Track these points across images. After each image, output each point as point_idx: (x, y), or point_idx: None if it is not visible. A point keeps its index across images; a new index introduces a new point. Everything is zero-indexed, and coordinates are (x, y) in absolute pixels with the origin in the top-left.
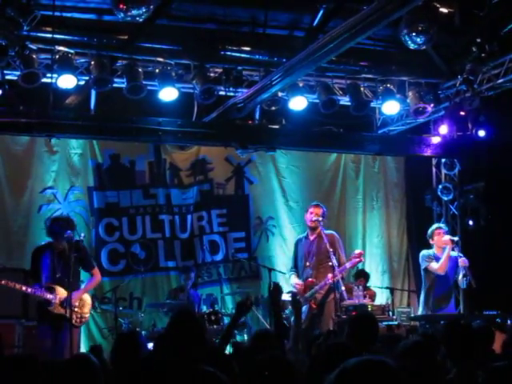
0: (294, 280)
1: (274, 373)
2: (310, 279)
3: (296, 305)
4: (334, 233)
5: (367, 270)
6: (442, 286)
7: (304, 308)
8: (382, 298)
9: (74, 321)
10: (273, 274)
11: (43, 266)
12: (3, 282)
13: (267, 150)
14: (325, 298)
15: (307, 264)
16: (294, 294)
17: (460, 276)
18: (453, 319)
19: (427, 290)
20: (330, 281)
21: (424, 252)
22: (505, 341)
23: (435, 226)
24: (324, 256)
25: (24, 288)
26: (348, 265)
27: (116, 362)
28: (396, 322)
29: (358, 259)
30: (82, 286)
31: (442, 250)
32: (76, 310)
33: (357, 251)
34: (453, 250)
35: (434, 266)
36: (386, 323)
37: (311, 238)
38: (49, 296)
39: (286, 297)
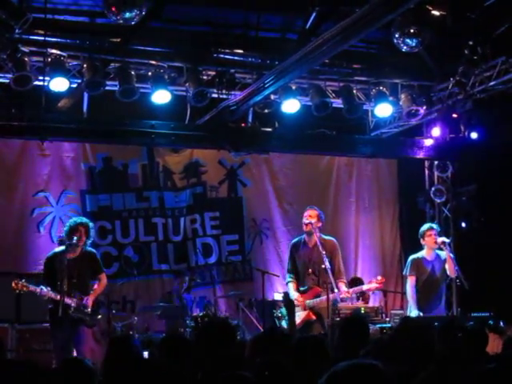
0: (294, 293)
1: (273, 376)
2: (317, 288)
3: (289, 304)
4: (333, 239)
5: (359, 272)
6: (432, 288)
7: (300, 313)
8: (375, 300)
9: (88, 324)
10: (266, 277)
11: (57, 271)
12: (30, 288)
13: (260, 152)
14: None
15: (309, 271)
16: (286, 294)
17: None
18: (447, 320)
19: (417, 293)
20: (343, 295)
21: (411, 259)
22: (505, 341)
23: (427, 225)
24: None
25: (50, 293)
26: (365, 287)
27: (109, 365)
28: (389, 325)
29: (378, 285)
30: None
31: (432, 251)
32: (90, 313)
33: (379, 278)
34: (440, 249)
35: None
36: (379, 325)
37: (310, 244)
38: (68, 301)
39: (278, 296)
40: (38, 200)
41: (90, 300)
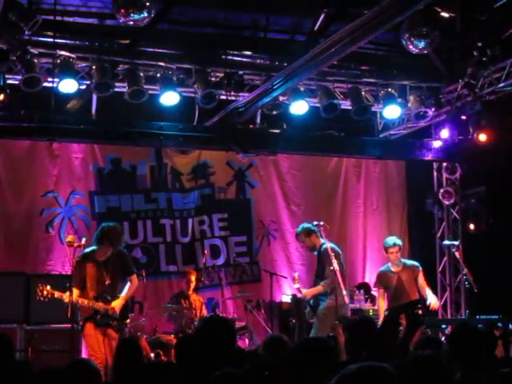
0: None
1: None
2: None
3: (297, 304)
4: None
5: (368, 274)
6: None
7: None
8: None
9: (116, 329)
10: (274, 278)
11: (88, 275)
12: (56, 295)
13: (268, 154)
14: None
15: None
16: (294, 295)
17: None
18: (460, 322)
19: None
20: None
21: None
22: None
23: (391, 241)
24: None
25: (85, 302)
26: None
27: (118, 367)
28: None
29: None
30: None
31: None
32: (117, 317)
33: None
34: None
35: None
36: None
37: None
38: (96, 306)
39: (286, 299)
40: (46, 201)
41: (118, 304)
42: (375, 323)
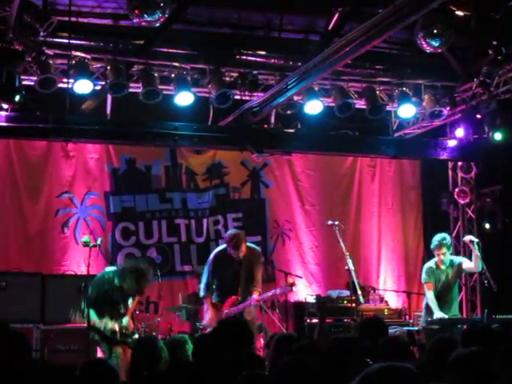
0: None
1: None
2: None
3: (321, 307)
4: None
5: (383, 274)
6: (443, 293)
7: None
8: (398, 302)
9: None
10: (289, 278)
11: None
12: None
13: (283, 153)
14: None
15: None
16: (319, 298)
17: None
18: (472, 323)
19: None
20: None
21: (426, 266)
22: None
23: (437, 240)
24: None
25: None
26: (271, 293)
27: (135, 366)
28: (417, 328)
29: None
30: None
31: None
32: (128, 334)
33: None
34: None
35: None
36: (407, 328)
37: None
38: (114, 327)
39: (310, 299)
40: (62, 201)
41: (130, 321)
42: (385, 323)
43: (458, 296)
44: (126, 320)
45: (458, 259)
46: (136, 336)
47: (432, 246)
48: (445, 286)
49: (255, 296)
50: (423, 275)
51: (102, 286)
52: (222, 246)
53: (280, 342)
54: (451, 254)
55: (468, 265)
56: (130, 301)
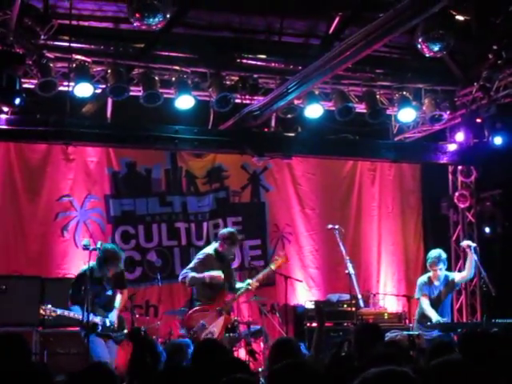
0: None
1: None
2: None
3: (319, 312)
4: None
5: (383, 277)
6: (433, 307)
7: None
8: (398, 305)
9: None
10: (289, 282)
11: (85, 290)
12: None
13: (283, 157)
14: None
15: None
16: (317, 303)
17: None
18: (471, 327)
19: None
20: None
21: (419, 280)
22: None
23: (433, 256)
24: None
25: (75, 315)
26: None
27: (134, 371)
28: (417, 332)
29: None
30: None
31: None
32: (115, 329)
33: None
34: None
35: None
36: (407, 332)
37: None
38: (95, 320)
39: (309, 304)
40: (62, 204)
41: (115, 316)
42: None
43: (449, 310)
44: (112, 315)
45: (451, 275)
46: (125, 331)
47: (428, 262)
48: (435, 300)
49: (249, 280)
50: (417, 291)
51: (83, 282)
52: (212, 247)
53: (278, 346)
54: (445, 269)
55: (460, 276)
56: (119, 297)
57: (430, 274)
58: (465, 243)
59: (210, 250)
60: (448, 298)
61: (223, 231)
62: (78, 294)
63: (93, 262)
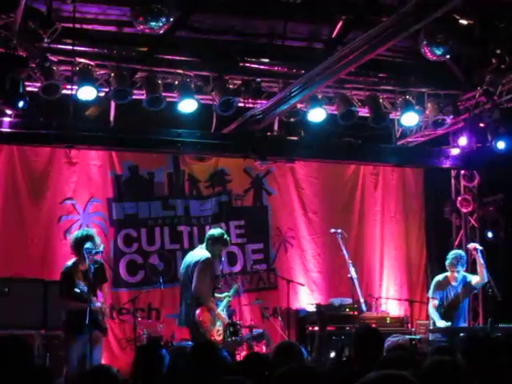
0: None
1: None
2: None
3: (320, 316)
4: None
5: (385, 282)
6: (450, 309)
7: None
8: (400, 310)
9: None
10: (291, 286)
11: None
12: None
13: (286, 161)
14: None
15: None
16: (318, 307)
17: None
18: (474, 332)
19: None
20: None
21: (435, 279)
22: None
23: (451, 258)
24: None
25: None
26: None
27: (137, 374)
28: (419, 336)
29: None
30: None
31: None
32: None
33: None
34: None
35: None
36: (408, 337)
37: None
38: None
39: (310, 308)
40: (65, 207)
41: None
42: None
43: (467, 313)
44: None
45: (469, 277)
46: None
47: (447, 263)
48: (452, 302)
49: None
50: (431, 289)
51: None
52: (207, 253)
53: (281, 350)
54: (464, 270)
55: (476, 280)
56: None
57: (448, 273)
58: (472, 245)
59: (207, 254)
60: (466, 300)
61: (213, 233)
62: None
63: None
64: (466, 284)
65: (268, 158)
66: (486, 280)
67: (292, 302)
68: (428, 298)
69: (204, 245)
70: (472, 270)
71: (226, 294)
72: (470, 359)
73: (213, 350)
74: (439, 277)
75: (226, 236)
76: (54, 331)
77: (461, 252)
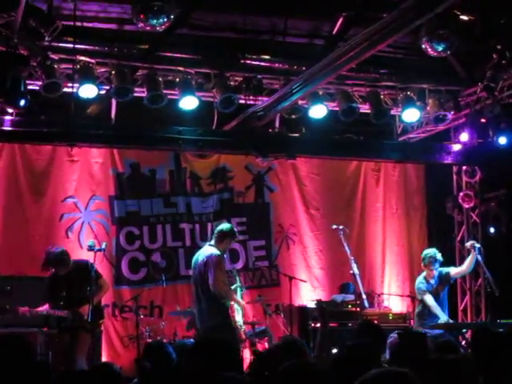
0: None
1: (301, 381)
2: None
3: (321, 312)
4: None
5: (387, 278)
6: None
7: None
8: (402, 306)
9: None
10: (293, 282)
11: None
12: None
13: (287, 158)
14: None
15: None
16: (320, 303)
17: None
18: (480, 327)
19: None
20: None
21: (417, 282)
22: None
23: (429, 255)
24: None
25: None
26: None
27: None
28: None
29: None
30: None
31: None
32: (88, 320)
33: None
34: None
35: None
36: None
37: None
38: (62, 313)
39: (311, 304)
40: (66, 206)
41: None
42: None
43: (447, 303)
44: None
45: (445, 270)
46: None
47: (425, 262)
48: (432, 296)
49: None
50: (417, 292)
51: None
52: (216, 250)
53: (284, 346)
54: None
55: (456, 270)
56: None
57: (425, 273)
58: (469, 243)
59: (217, 250)
60: (445, 291)
61: (222, 228)
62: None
63: None
64: (442, 277)
65: (269, 154)
66: (468, 272)
67: (294, 299)
68: (420, 300)
69: (213, 241)
70: (475, 270)
71: (235, 285)
72: (479, 352)
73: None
74: (419, 279)
75: (234, 229)
76: (56, 329)
77: (436, 251)
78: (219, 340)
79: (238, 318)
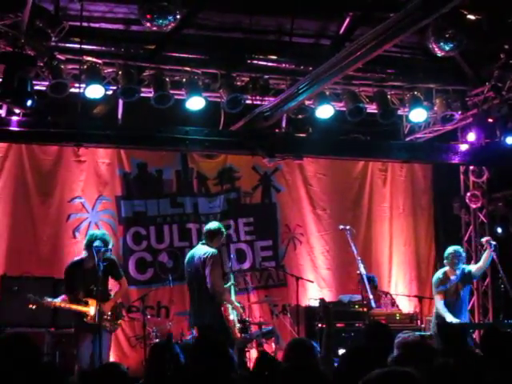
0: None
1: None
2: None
3: (325, 311)
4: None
5: (394, 278)
6: (451, 302)
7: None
8: (410, 306)
9: (108, 329)
10: (300, 283)
11: (77, 280)
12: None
13: (294, 158)
14: None
15: None
16: (324, 303)
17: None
18: (489, 327)
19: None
20: None
21: (435, 277)
22: None
23: (451, 251)
24: None
25: (58, 303)
26: None
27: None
28: (430, 332)
29: None
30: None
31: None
32: (108, 318)
33: None
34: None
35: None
36: (419, 333)
37: None
38: (83, 309)
39: (314, 303)
40: (73, 206)
41: (108, 306)
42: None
43: (469, 303)
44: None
45: (467, 268)
46: (119, 322)
47: (448, 260)
48: (452, 294)
49: None
50: (433, 287)
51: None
52: (211, 248)
53: (293, 347)
54: (463, 263)
55: (476, 267)
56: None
57: (447, 268)
58: (485, 239)
59: (212, 249)
60: (466, 290)
61: (211, 226)
62: (70, 283)
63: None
64: (465, 275)
65: (276, 155)
66: (486, 266)
67: (301, 299)
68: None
69: (204, 241)
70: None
71: (229, 283)
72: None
73: (224, 348)
74: (438, 273)
75: (222, 228)
76: (63, 329)
77: (459, 248)
78: (212, 339)
79: (233, 316)
